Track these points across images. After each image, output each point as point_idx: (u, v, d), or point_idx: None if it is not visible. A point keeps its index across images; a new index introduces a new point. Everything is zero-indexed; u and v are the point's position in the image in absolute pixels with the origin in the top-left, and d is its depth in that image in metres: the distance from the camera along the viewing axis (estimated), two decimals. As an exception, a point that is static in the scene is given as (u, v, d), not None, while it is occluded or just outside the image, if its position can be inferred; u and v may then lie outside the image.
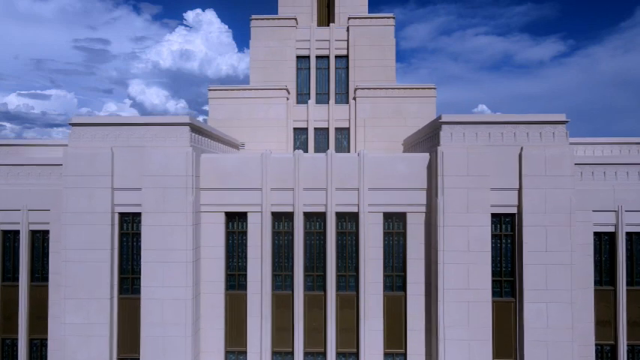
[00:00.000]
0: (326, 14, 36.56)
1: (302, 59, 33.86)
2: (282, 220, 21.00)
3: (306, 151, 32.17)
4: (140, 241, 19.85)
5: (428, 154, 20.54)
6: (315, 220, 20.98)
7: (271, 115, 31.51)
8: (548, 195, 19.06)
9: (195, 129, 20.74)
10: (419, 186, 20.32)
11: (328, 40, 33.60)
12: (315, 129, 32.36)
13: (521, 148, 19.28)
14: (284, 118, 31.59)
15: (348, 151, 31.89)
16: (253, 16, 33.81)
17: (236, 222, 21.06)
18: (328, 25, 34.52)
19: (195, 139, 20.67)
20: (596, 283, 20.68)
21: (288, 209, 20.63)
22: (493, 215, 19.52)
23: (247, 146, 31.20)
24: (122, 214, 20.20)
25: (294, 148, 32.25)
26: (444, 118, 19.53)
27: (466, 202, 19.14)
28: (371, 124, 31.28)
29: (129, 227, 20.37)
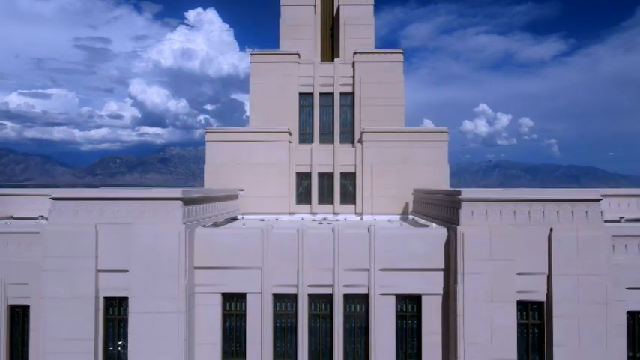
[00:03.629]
0: (330, 48, 34.55)
1: (305, 96, 31.86)
2: (284, 300, 19.08)
3: (309, 197, 30.23)
4: (128, 327, 17.94)
5: (445, 230, 18.61)
6: (321, 301, 19.06)
7: (272, 159, 29.53)
8: (582, 282, 17.13)
9: (188, 201, 18.81)
10: (435, 266, 18.39)
11: (332, 77, 31.58)
12: (319, 174, 30.37)
13: (551, 229, 17.34)
14: (286, 163, 29.62)
15: (354, 199, 29.90)
16: (253, 52, 31.84)
17: (234, 302, 19.15)
18: (332, 61, 32.51)
19: (188, 212, 18.74)
20: (628, 367, 18.77)
21: (292, 290, 18.73)
22: (519, 302, 17.58)
23: (247, 192, 29.25)
24: (107, 299, 18.30)
25: (297, 194, 30.32)
26: (464, 195, 17.60)
27: (490, 289, 17.21)
28: (378, 170, 29.31)
29: (115, 312, 18.47)
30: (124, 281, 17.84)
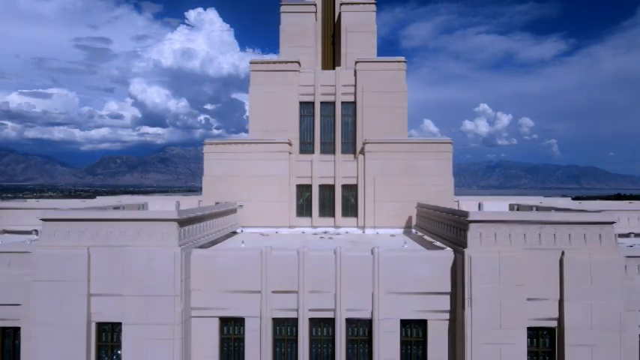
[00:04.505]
0: (331, 56, 33.87)
1: (306, 105, 31.12)
2: (284, 325, 18.35)
3: (309, 209, 29.50)
4: (121, 354, 17.21)
5: (452, 252, 17.89)
6: (323, 325, 18.32)
7: (272, 171, 28.78)
8: (595, 308, 16.41)
9: (185, 222, 18.09)
10: (442, 290, 17.67)
11: (334, 86, 30.82)
12: (320, 186, 29.62)
13: (562, 253, 16.62)
14: (286, 175, 28.87)
15: (356, 212, 29.15)
16: (252, 60, 31.12)
17: (232, 327, 18.42)
18: (334, 69, 31.79)
19: (184, 233, 18.03)
20: (641, 394, 18.02)
21: (292, 315, 18.00)
22: (529, 329, 16.86)
23: (246, 205, 28.52)
24: (100, 324, 17.57)
25: (297, 207, 29.57)
26: (472, 216, 16.87)
27: (498, 316, 16.48)
28: (381, 181, 28.56)
29: (108, 338, 17.74)
30: (118, 306, 17.13)
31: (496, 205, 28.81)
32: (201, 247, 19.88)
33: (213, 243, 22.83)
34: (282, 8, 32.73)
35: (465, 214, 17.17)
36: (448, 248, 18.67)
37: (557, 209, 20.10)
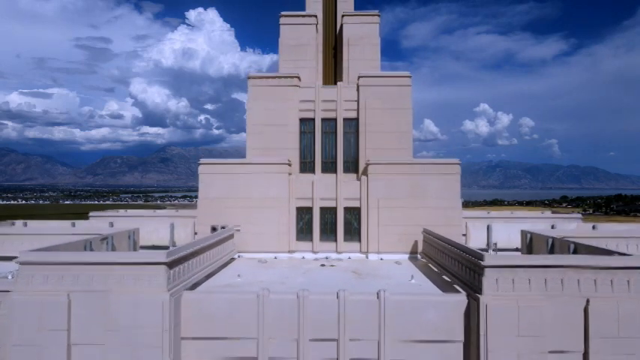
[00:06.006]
0: (333, 70, 32.42)
1: (306, 122, 29.74)
2: (282, 374, 16.90)
3: (310, 233, 28.07)
4: (105, 408, 15.78)
5: (465, 296, 16.45)
6: (324, 375, 16.87)
7: (271, 193, 27.35)
8: (623, 363, 14.95)
9: (175, 262, 16.65)
10: (454, 338, 16.22)
11: (335, 101, 29.44)
12: (322, 208, 28.19)
13: (587, 301, 15.17)
14: (286, 197, 27.43)
15: (359, 236, 27.73)
16: (250, 75, 29.66)
17: (226, 376, 16.97)
18: (335, 83, 30.36)
19: (174, 275, 16.58)
20: None
21: (291, 364, 16.54)
22: (551, 384, 15.40)
23: (244, 228, 27.09)
24: (82, 377, 16.11)
25: (297, 230, 28.13)
26: (488, 261, 15.42)
27: (517, 370, 15.02)
28: (385, 204, 27.11)
29: (91, 391, 16.28)
30: (100, 357, 15.68)
31: (506, 230, 27.42)
32: (194, 285, 18.50)
33: (209, 276, 21.41)
34: (282, 20, 31.29)
35: (480, 256, 15.72)
36: (461, 292, 17.21)
37: (577, 244, 18.66)
